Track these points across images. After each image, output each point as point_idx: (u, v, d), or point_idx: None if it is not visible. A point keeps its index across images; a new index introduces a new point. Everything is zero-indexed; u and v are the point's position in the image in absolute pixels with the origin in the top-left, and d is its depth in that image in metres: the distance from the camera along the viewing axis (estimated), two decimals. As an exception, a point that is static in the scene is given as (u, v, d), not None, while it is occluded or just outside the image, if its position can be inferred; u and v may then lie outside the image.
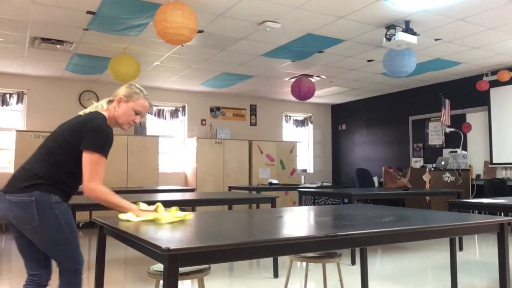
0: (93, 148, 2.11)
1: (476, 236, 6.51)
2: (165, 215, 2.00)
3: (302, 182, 8.87)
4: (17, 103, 7.90)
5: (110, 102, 2.40)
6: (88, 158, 2.09)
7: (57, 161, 2.15)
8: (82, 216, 7.50)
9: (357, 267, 4.46)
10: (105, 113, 2.32)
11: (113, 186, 7.72)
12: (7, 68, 7.40)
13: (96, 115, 2.26)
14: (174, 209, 2.12)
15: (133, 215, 2.03)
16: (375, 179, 9.33)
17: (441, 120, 7.99)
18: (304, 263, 4.28)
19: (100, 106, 2.37)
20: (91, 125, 2.16)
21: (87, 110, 2.36)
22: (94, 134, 2.14)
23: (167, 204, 3.91)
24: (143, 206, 2.11)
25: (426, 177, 6.74)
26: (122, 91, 2.39)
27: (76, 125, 2.22)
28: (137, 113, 2.36)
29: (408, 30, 5.15)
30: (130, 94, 2.36)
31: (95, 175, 2.07)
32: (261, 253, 1.55)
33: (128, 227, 1.80)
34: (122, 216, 2.04)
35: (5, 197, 2.06)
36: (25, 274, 2.16)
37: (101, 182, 2.09)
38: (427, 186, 6.75)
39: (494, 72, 7.55)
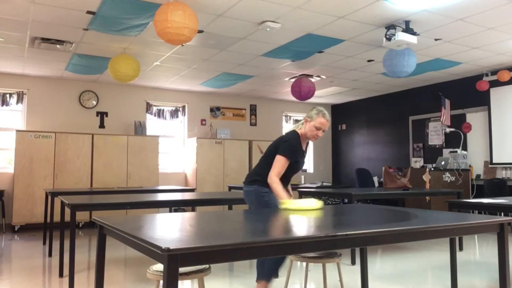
0: (280, 153, 3.07)
1: (476, 236, 6.51)
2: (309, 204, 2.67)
3: (302, 182, 8.87)
4: (17, 103, 7.90)
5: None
6: (276, 158, 3.07)
7: (268, 165, 3.10)
8: (82, 216, 7.51)
9: (357, 267, 4.46)
10: (299, 131, 3.21)
11: (113, 186, 7.73)
12: (7, 68, 7.40)
13: (290, 133, 3.24)
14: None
15: (293, 203, 2.71)
16: (375, 179, 9.33)
17: (441, 120, 7.99)
18: (304, 263, 4.28)
19: (298, 126, 3.26)
20: (283, 140, 3.17)
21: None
22: (283, 144, 3.13)
23: (167, 204, 3.92)
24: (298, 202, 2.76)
25: (426, 177, 6.75)
26: (307, 114, 3.20)
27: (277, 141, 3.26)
28: (317, 128, 3.13)
29: (408, 30, 5.15)
30: (311, 116, 3.15)
31: (275, 168, 3.04)
32: (261, 253, 1.55)
33: (127, 227, 1.80)
34: (287, 205, 2.72)
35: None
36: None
37: (278, 175, 3.02)
38: (427, 186, 6.75)
39: (494, 72, 7.55)
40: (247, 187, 3.24)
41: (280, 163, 3.04)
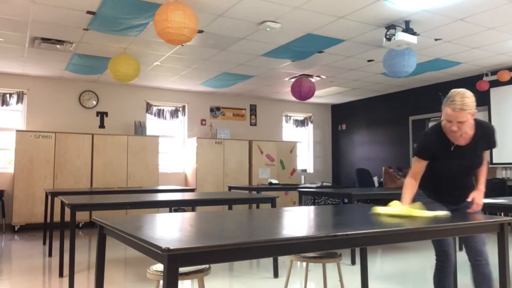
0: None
1: (476, 236, 6.50)
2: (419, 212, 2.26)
3: (302, 182, 8.88)
4: (17, 103, 7.90)
5: None
6: None
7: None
8: (82, 216, 7.51)
9: (357, 267, 4.46)
10: (443, 123, 2.60)
11: (113, 186, 7.73)
12: (7, 68, 7.40)
13: (433, 125, 2.69)
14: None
15: (392, 209, 2.32)
16: (375, 179, 9.33)
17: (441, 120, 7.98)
18: (304, 263, 4.28)
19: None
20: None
21: None
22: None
23: (167, 204, 3.92)
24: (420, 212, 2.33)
25: (426, 177, 6.73)
26: None
27: None
28: (448, 121, 2.46)
29: (408, 30, 5.15)
30: (442, 106, 2.52)
31: (412, 169, 2.63)
32: (261, 253, 1.55)
33: (127, 227, 1.80)
34: (380, 209, 2.38)
35: None
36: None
37: (412, 175, 2.60)
38: (427, 186, 6.73)
39: (494, 72, 7.55)
40: None
41: (413, 163, 2.64)
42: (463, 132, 2.47)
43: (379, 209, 2.39)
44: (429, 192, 2.68)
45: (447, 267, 2.64)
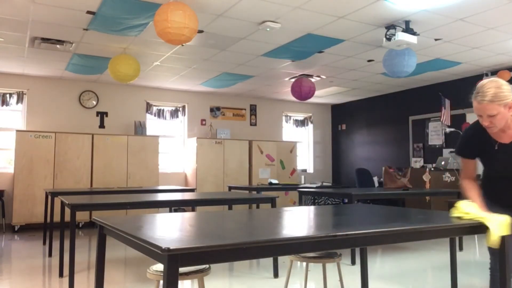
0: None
1: (476, 236, 6.51)
2: (495, 219, 1.97)
3: (302, 182, 8.88)
4: (17, 103, 7.90)
5: None
6: None
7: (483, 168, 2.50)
8: (82, 216, 7.51)
9: (357, 267, 4.46)
10: None
11: (113, 186, 7.73)
12: (7, 68, 7.40)
13: (474, 121, 2.40)
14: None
15: (471, 208, 2.06)
16: (375, 179, 9.33)
17: (441, 120, 7.99)
18: (304, 263, 4.29)
19: None
20: None
21: None
22: None
23: (167, 204, 3.92)
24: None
25: (426, 177, 6.74)
26: None
27: None
28: (478, 115, 2.23)
29: (408, 30, 5.15)
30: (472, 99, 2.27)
31: (461, 171, 2.40)
32: (261, 253, 1.55)
33: (127, 227, 1.80)
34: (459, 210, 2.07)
35: None
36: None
37: (464, 176, 2.36)
38: (427, 186, 6.75)
39: (494, 72, 7.55)
40: None
41: (460, 164, 2.40)
42: (504, 127, 2.22)
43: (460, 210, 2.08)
44: (486, 193, 2.41)
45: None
